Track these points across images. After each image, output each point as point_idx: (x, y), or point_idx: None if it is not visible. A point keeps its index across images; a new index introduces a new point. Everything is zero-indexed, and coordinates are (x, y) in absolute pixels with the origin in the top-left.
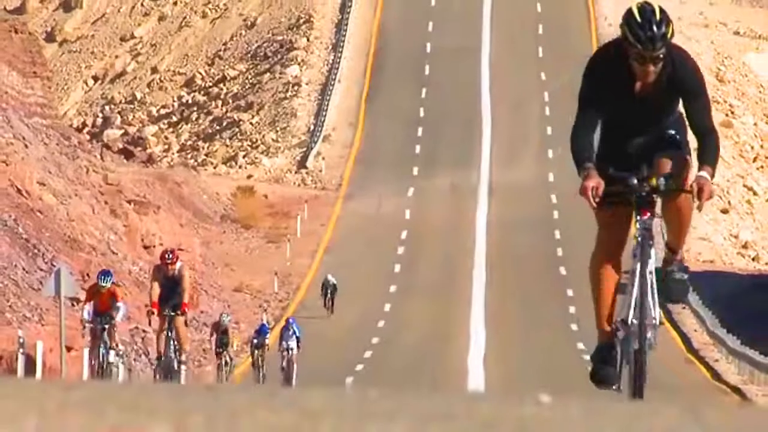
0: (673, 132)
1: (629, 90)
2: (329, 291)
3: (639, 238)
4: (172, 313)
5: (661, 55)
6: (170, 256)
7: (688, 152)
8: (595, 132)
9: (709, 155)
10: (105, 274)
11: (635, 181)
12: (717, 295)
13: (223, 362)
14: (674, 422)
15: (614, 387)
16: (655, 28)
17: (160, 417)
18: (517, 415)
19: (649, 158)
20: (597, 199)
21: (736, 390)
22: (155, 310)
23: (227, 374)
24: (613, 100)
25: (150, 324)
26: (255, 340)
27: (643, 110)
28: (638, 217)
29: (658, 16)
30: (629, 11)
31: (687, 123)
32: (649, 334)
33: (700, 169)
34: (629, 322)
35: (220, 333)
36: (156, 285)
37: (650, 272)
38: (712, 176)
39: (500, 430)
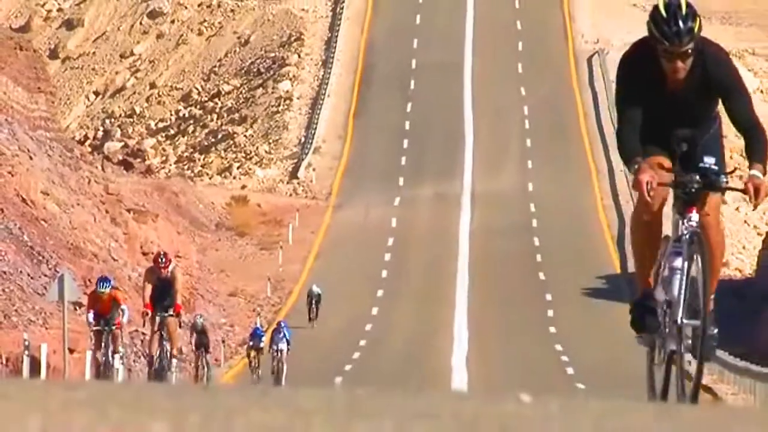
0: (709, 163)
1: (662, 88)
2: (314, 301)
3: (687, 236)
4: (165, 314)
5: (689, 51)
6: (163, 260)
7: (725, 177)
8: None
9: (758, 152)
10: (103, 280)
11: (691, 177)
12: None
13: (201, 364)
14: (648, 419)
15: (655, 333)
16: (681, 23)
17: (159, 416)
18: (498, 413)
19: (691, 160)
20: (652, 193)
21: (707, 389)
22: (149, 311)
23: (206, 376)
24: (647, 99)
25: (144, 325)
26: (251, 342)
27: (678, 108)
28: (685, 214)
29: (684, 11)
30: (655, 7)
31: (730, 121)
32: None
33: (751, 167)
34: (679, 321)
35: (198, 334)
36: (149, 286)
37: (698, 272)
38: (764, 173)
39: (483, 428)
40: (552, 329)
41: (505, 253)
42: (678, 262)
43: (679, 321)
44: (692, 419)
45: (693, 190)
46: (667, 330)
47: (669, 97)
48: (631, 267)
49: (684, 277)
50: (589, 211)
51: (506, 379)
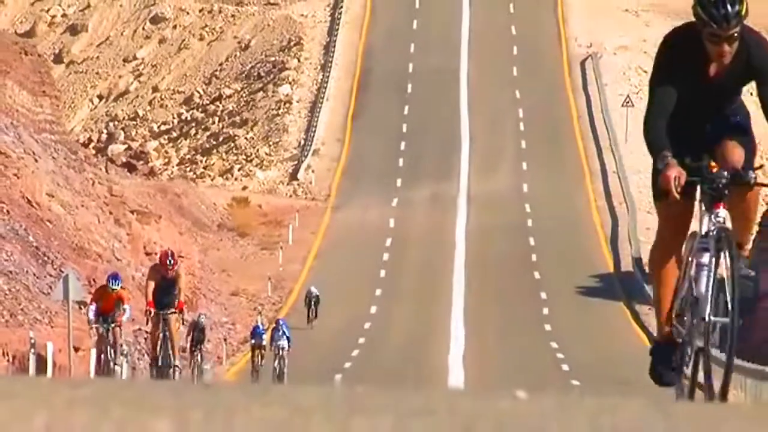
0: (738, 118)
1: (704, 73)
2: (312, 302)
3: (714, 232)
4: (168, 312)
5: (735, 34)
6: (171, 261)
7: (753, 139)
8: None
9: None
10: (114, 277)
11: (723, 172)
12: None
13: (196, 360)
14: (641, 415)
15: (675, 385)
16: (729, 6)
17: (161, 413)
18: (494, 410)
19: (711, 147)
20: (679, 189)
21: (700, 386)
22: (152, 309)
23: (200, 370)
24: (685, 84)
25: (147, 323)
26: (253, 341)
27: (713, 95)
28: (712, 210)
29: None
30: None
31: (763, 111)
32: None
33: None
34: (706, 318)
35: (197, 332)
36: (152, 284)
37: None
38: None
39: (479, 424)
40: (547, 327)
41: (500, 252)
42: (705, 258)
43: (707, 318)
44: (685, 415)
45: (720, 185)
46: (693, 327)
47: (707, 83)
48: (624, 266)
49: (711, 274)
50: (583, 211)
51: (502, 377)
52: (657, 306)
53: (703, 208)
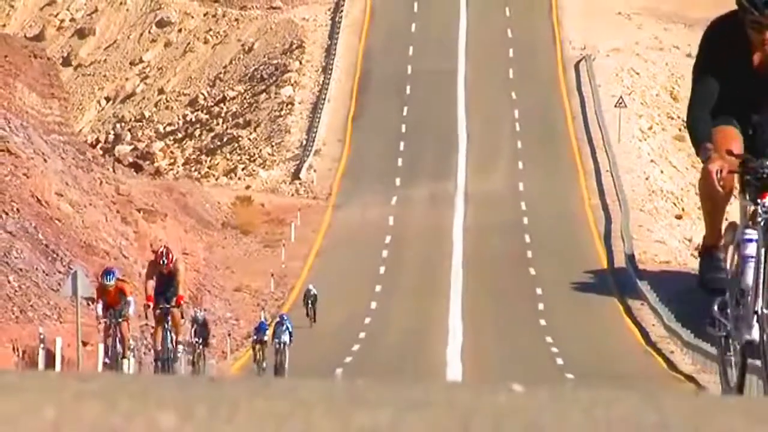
0: None
1: (747, 63)
2: (310, 301)
3: (762, 222)
4: (168, 306)
5: None
6: (164, 261)
7: None
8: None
9: None
10: (108, 273)
11: (762, 161)
12: (672, 292)
13: (196, 354)
14: (634, 408)
15: (723, 293)
16: None
17: (167, 406)
18: (491, 402)
19: (760, 144)
20: (722, 183)
21: (691, 378)
22: (151, 304)
23: (199, 364)
24: (729, 74)
25: (146, 317)
26: (255, 336)
27: (759, 86)
28: (759, 201)
29: None
30: None
31: None
32: None
33: None
34: (759, 311)
35: (198, 328)
36: (151, 280)
37: None
38: None
39: (476, 417)
40: (542, 322)
41: (497, 249)
42: (752, 250)
43: (760, 311)
44: (677, 408)
45: (765, 175)
46: (742, 319)
47: (751, 73)
48: (617, 262)
49: (761, 266)
50: (577, 209)
51: (499, 370)
52: (706, 220)
53: (747, 198)
